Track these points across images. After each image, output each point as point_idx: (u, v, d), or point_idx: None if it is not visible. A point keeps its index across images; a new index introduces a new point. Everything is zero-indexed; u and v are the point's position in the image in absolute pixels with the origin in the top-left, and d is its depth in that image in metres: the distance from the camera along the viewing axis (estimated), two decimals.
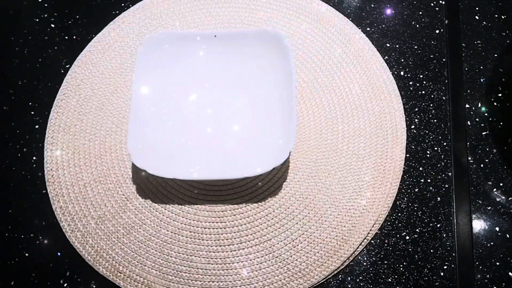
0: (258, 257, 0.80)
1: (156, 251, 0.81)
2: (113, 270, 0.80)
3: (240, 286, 0.79)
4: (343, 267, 0.80)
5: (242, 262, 0.80)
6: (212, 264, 0.80)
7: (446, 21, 0.98)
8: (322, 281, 0.80)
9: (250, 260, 0.80)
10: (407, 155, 0.88)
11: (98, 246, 0.82)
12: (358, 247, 0.81)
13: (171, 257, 0.81)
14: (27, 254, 0.83)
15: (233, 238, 0.81)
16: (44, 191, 0.86)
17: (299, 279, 0.79)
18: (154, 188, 0.85)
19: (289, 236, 0.81)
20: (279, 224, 0.82)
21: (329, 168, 0.86)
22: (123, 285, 0.79)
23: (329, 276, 0.80)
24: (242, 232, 0.82)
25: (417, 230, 0.83)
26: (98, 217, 0.84)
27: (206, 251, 0.81)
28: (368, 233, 0.82)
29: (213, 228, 0.82)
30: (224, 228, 0.82)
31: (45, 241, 0.83)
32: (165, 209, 0.84)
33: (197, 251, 0.81)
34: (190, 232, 0.82)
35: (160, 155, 0.81)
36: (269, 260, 0.80)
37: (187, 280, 0.79)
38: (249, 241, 0.81)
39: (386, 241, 0.82)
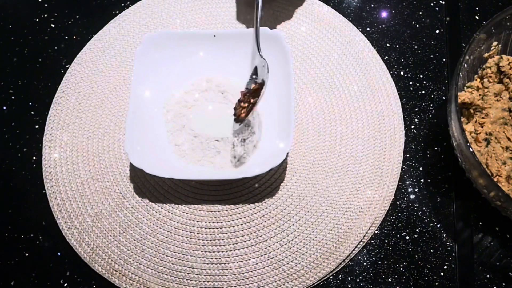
0: (254, 258, 0.80)
1: (152, 250, 0.81)
2: (108, 268, 0.80)
3: (235, 286, 0.79)
4: (338, 269, 0.80)
5: (237, 262, 0.80)
6: (207, 264, 0.80)
7: (446, 21, 0.98)
8: (317, 283, 0.79)
9: (246, 260, 0.80)
10: (407, 155, 0.87)
11: (94, 244, 0.82)
12: (354, 249, 0.81)
13: (167, 256, 0.81)
14: (27, 254, 0.83)
15: (229, 238, 0.81)
16: (44, 191, 0.86)
17: (294, 280, 0.79)
18: (151, 187, 0.85)
19: (285, 237, 0.81)
20: (276, 225, 0.82)
21: (327, 170, 0.86)
22: (118, 283, 0.80)
23: (325, 278, 0.80)
24: (238, 232, 0.82)
25: (417, 230, 0.82)
26: (95, 215, 0.84)
27: (202, 251, 0.81)
28: (364, 235, 0.81)
29: (210, 228, 0.82)
30: (221, 228, 0.82)
31: (45, 241, 0.84)
32: (161, 208, 0.84)
33: (193, 250, 0.81)
34: (186, 231, 0.82)
35: (157, 155, 0.82)
36: (265, 260, 0.80)
37: (182, 280, 0.79)
38: (245, 241, 0.81)
39: (386, 241, 0.82)
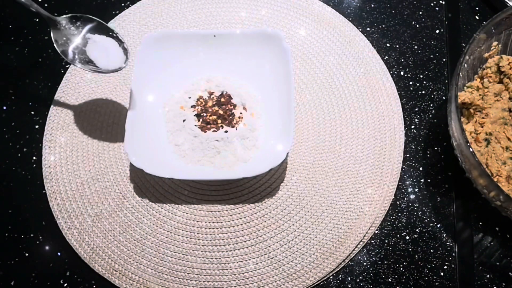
0: (254, 258, 0.80)
1: (152, 250, 0.81)
2: (108, 268, 0.80)
3: (235, 286, 0.79)
4: (338, 269, 0.80)
5: (237, 262, 0.80)
6: (207, 263, 0.80)
7: (446, 21, 0.98)
8: (317, 283, 0.79)
9: (246, 260, 0.80)
10: (407, 155, 0.87)
11: (94, 244, 0.82)
12: (354, 250, 0.81)
13: (167, 256, 0.81)
14: (27, 254, 0.83)
15: (229, 238, 0.81)
16: (44, 191, 0.86)
17: (294, 280, 0.79)
18: (151, 187, 0.85)
19: (285, 237, 0.81)
20: (276, 225, 0.82)
21: (327, 170, 0.86)
22: (118, 283, 0.79)
23: (325, 278, 0.80)
24: (238, 232, 0.82)
25: (417, 230, 0.82)
26: (95, 215, 0.84)
27: (202, 251, 0.81)
28: (365, 235, 0.82)
29: (210, 228, 0.82)
30: (221, 228, 0.82)
31: (45, 241, 0.84)
32: (161, 208, 0.84)
33: (193, 250, 0.81)
34: (187, 231, 0.82)
35: (157, 155, 0.81)
36: (265, 260, 0.80)
37: (182, 280, 0.79)
38: (245, 241, 0.81)
39: (386, 241, 0.82)
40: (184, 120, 0.85)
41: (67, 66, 0.95)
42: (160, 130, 0.85)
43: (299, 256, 0.80)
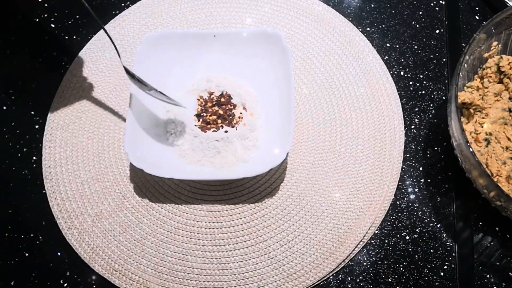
0: (254, 258, 0.80)
1: (152, 250, 0.81)
2: (108, 268, 0.80)
3: (235, 286, 0.79)
4: (338, 269, 0.80)
5: (237, 262, 0.80)
6: (207, 264, 0.80)
7: (446, 21, 0.98)
8: (317, 283, 0.79)
9: (246, 260, 0.80)
10: (407, 155, 0.87)
11: (94, 244, 0.82)
12: (354, 249, 0.81)
13: (167, 256, 0.81)
14: (27, 254, 0.83)
15: (229, 238, 0.82)
16: (44, 191, 0.86)
17: (294, 280, 0.79)
18: (151, 187, 0.85)
19: (285, 237, 0.81)
20: (276, 225, 0.82)
21: (327, 170, 0.86)
22: (118, 283, 0.80)
23: (325, 278, 0.80)
24: (238, 232, 0.82)
25: (417, 230, 0.82)
26: (95, 215, 0.84)
27: (202, 251, 0.81)
28: (364, 235, 0.82)
29: (210, 228, 0.82)
30: (221, 228, 0.82)
31: (45, 241, 0.84)
32: (162, 208, 0.84)
33: (193, 250, 0.81)
34: (187, 231, 0.82)
35: (157, 155, 0.81)
36: (265, 260, 0.80)
37: (182, 280, 0.79)
38: (245, 241, 0.81)
39: (386, 241, 0.82)
40: (183, 120, 0.85)
41: (67, 66, 0.95)
42: (160, 130, 0.85)
43: (299, 256, 0.80)
